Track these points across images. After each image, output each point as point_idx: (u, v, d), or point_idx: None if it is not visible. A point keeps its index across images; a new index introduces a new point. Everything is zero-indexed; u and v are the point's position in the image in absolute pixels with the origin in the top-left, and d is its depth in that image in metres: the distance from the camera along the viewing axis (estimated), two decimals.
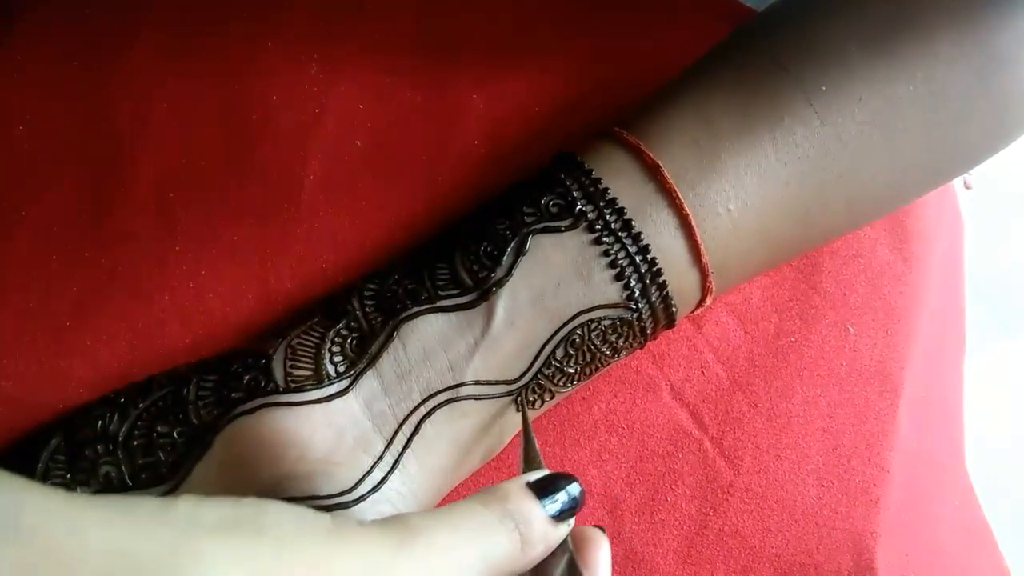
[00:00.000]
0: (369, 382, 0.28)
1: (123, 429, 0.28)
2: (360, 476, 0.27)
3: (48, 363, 0.30)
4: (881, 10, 0.30)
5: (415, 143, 0.35)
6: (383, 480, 0.27)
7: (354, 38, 0.36)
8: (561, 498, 0.23)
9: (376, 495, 0.27)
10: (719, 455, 0.35)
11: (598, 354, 0.29)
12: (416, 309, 0.28)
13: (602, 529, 0.25)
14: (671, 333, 0.35)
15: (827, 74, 0.30)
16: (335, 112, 0.34)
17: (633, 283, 0.29)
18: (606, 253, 0.28)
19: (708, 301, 0.31)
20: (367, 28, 0.36)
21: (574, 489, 0.23)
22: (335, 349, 0.28)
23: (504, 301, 0.28)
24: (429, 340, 0.28)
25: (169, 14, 0.35)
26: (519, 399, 0.29)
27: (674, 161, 0.29)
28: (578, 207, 0.29)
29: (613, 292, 0.29)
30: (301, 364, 0.28)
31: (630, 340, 0.30)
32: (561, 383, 0.29)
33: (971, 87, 0.30)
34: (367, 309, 0.29)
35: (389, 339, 0.28)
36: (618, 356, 0.31)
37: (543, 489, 0.23)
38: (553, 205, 0.29)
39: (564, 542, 0.23)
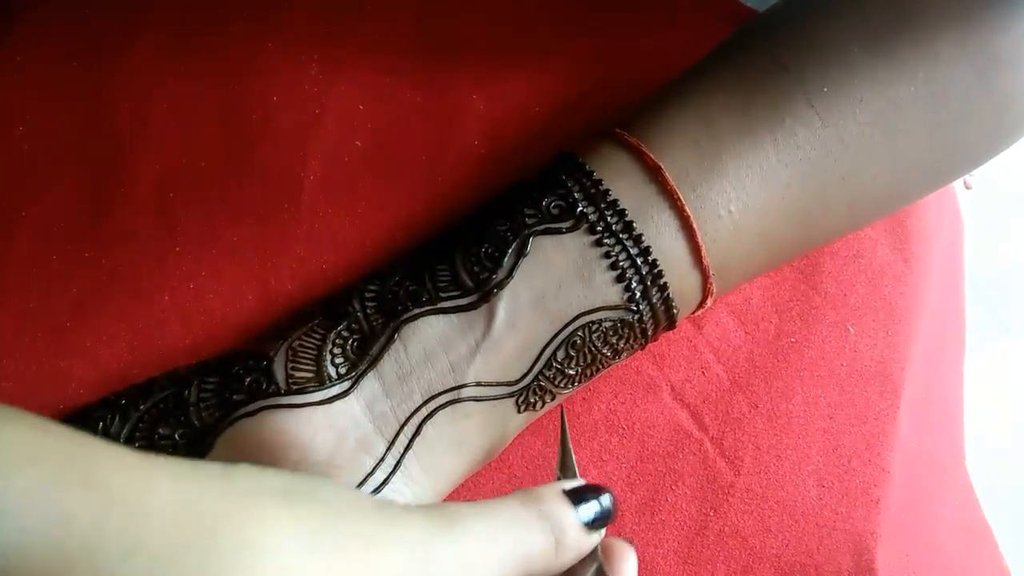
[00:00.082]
0: (370, 384, 0.28)
1: (124, 431, 0.28)
2: (362, 478, 0.27)
3: (48, 363, 0.30)
4: (882, 11, 0.30)
5: (415, 143, 0.35)
6: (385, 481, 0.27)
7: (354, 38, 0.36)
8: (594, 507, 0.24)
9: (378, 496, 0.27)
10: (719, 455, 0.35)
11: (599, 356, 0.29)
12: (417, 310, 0.28)
13: (630, 542, 0.26)
14: (671, 334, 0.35)
15: (828, 75, 0.30)
16: (335, 112, 0.34)
17: (634, 285, 0.29)
18: (607, 255, 0.28)
19: (709, 302, 0.31)
20: (367, 28, 0.36)
21: (606, 500, 0.24)
22: (336, 351, 0.28)
23: (505, 303, 0.28)
24: (430, 341, 0.28)
25: (169, 14, 0.35)
26: (563, 411, 0.29)
27: (675, 162, 0.29)
28: (579, 208, 0.29)
29: (614, 294, 0.29)
30: (302, 366, 0.28)
31: (631, 342, 0.30)
32: (562, 385, 0.29)
33: (972, 88, 0.30)
34: (368, 310, 0.29)
35: (390, 340, 0.28)
36: (619, 358, 0.31)
37: (577, 497, 0.23)
38: (554, 206, 0.29)
39: (594, 551, 0.24)
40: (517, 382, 0.29)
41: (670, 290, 0.29)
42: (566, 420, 0.28)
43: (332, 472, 0.27)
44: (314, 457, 0.27)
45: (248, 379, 0.28)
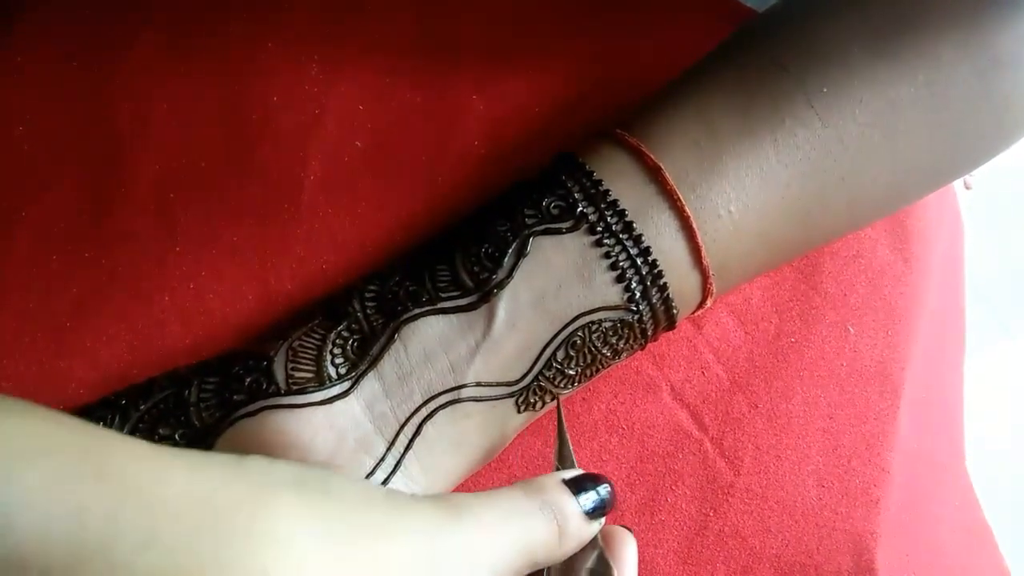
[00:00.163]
0: (370, 384, 0.28)
1: (124, 431, 0.28)
2: (362, 478, 0.27)
3: (48, 363, 0.30)
4: (883, 11, 0.30)
5: (415, 143, 0.35)
6: (385, 481, 0.27)
7: (354, 38, 0.36)
8: (593, 497, 0.24)
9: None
10: (719, 456, 0.35)
11: (599, 356, 0.29)
12: (417, 311, 0.28)
13: (630, 529, 0.26)
14: (671, 334, 0.35)
15: (828, 75, 0.30)
16: (335, 112, 0.34)
17: (634, 285, 0.29)
18: (607, 255, 0.28)
19: (709, 302, 0.31)
20: (367, 28, 0.36)
21: (604, 490, 0.25)
22: (336, 351, 0.28)
23: (505, 303, 0.28)
24: (430, 342, 0.28)
25: (169, 14, 0.35)
26: (559, 402, 0.29)
27: (675, 163, 0.29)
28: (579, 209, 0.29)
29: (614, 294, 0.29)
30: (302, 366, 0.28)
31: (631, 342, 0.30)
32: (562, 385, 0.29)
33: (973, 89, 0.30)
34: (368, 311, 0.29)
35: (390, 341, 0.28)
36: (619, 358, 0.31)
37: (577, 486, 0.24)
38: (554, 207, 0.29)
39: (595, 539, 0.25)
40: (517, 382, 0.29)
41: (670, 290, 0.29)
42: (563, 411, 0.28)
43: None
44: (314, 457, 0.27)
45: (248, 379, 0.28)
